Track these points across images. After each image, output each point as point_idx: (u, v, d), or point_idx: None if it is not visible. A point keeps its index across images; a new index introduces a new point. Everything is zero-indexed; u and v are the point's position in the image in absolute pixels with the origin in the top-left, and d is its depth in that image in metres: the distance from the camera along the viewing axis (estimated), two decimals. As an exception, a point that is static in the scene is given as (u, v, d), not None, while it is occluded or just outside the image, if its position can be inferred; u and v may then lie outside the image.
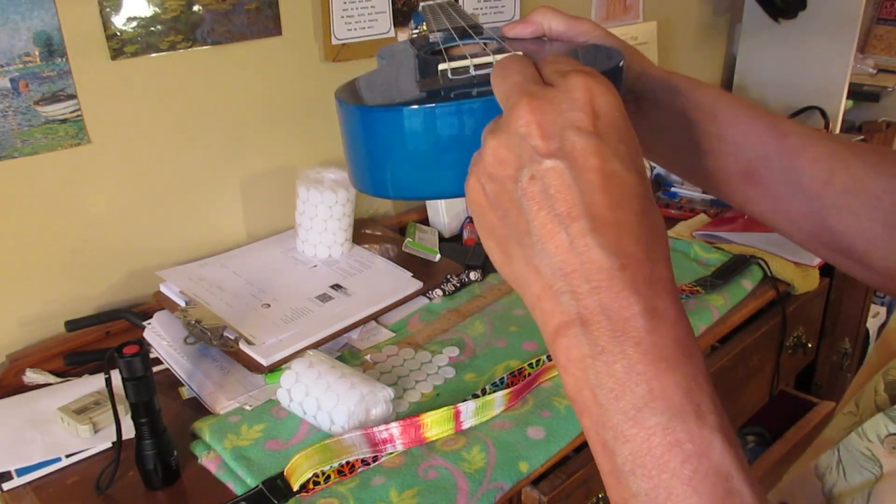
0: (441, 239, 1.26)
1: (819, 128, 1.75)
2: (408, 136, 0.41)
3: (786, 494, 0.47)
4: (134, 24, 0.97)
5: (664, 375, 0.31)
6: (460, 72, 0.46)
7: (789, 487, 0.47)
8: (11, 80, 0.88)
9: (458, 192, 0.40)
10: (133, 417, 0.75)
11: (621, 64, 0.45)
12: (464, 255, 1.18)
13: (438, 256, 1.17)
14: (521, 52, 0.41)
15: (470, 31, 0.56)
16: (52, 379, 0.94)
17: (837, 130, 1.86)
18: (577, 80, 0.33)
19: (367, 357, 0.96)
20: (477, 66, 0.46)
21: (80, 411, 0.84)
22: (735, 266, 1.15)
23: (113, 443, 0.81)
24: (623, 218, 0.31)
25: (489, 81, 0.38)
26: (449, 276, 1.12)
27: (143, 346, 0.73)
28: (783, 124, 0.51)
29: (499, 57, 0.43)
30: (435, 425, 0.80)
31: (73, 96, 0.94)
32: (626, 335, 0.31)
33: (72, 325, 0.98)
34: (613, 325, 0.31)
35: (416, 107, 0.41)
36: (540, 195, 0.32)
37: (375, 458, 0.78)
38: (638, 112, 0.52)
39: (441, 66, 0.47)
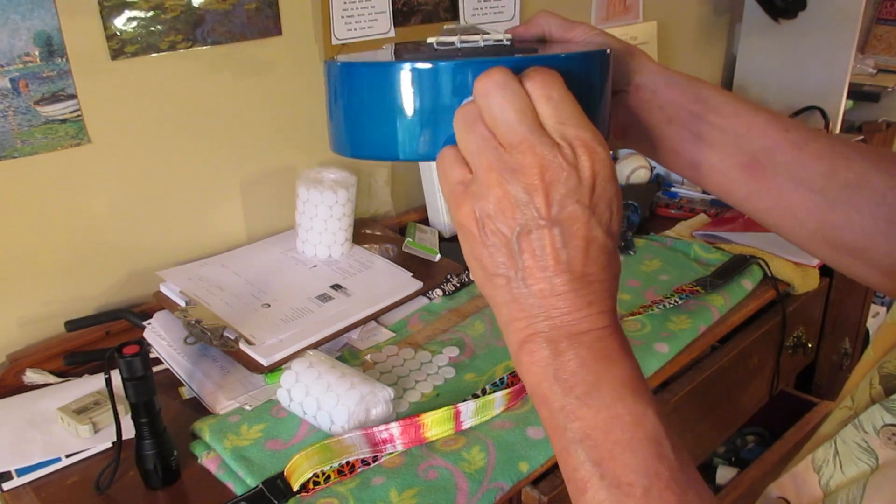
0: (441, 239, 1.26)
1: (819, 128, 1.75)
2: (384, 90, 0.43)
3: (783, 489, 0.48)
4: (134, 24, 0.97)
5: (609, 368, 0.39)
6: (446, 45, 0.48)
7: (786, 482, 0.47)
8: (11, 80, 0.88)
9: (429, 156, 0.43)
10: (133, 417, 0.75)
11: (608, 50, 0.47)
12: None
13: (438, 256, 1.17)
14: (508, 35, 0.46)
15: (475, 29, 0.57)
16: (52, 379, 0.94)
17: (837, 130, 1.86)
18: (586, 159, 0.39)
19: (367, 357, 0.96)
20: (463, 41, 0.48)
21: (80, 411, 0.84)
22: (735, 266, 1.15)
23: (113, 443, 0.81)
24: (593, 271, 0.40)
25: (473, 54, 0.43)
26: (449, 276, 1.12)
27: (143, 346, 0.73)
28: (784, 119, 0.51)
29: (486, 37, 0.46)
30: (435, 425, 0.80)
31: (73, 96, 0.94)
32: (581, 342, 0.40)
33: (72, 325, 0.98)
34: (571, 336, 0.40)
35: (392, 61, 0.43)
36: (534, 249, 0.39)
37: (375, 458, 0.78)
38: (638, 104, 0.52)
39: (429, 39, 0.48)
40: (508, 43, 0.49)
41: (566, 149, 0.39)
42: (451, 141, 0.42)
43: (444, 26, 0.72)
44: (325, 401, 0.79)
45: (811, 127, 0.52)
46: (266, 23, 1.10)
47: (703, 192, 1.48)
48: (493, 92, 0.39)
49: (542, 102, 0.40)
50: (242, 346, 0.91)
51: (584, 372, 0.39)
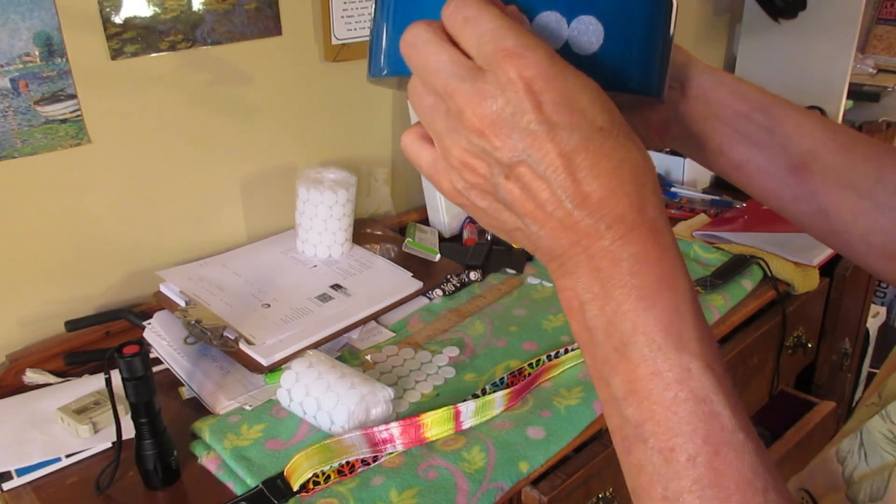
0: (441, 239, 1.26)
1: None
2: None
3: (806, 480, 0.47)
4: (134, 24, 0.97)
5: (645, 313, 0.34)
6: None
7: (809, 473, 0.47)
8: (11, 80, 0.88)
9: None
10: (133, 417, 0.75)
11: None
12: (464, 255, 1.18)
13: (438, 256, 1.17)
14: None
15: None
16: (52, 379, 0.94)
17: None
18: (513, 72, 0.33)
19: (367, 357, 0.96)
20: None
21: (80, 411, 0.84)
22: (735, 266, 1.15)
23: (113, 443, 0.81)
24: (597, 184, 0.34)
25: None
26: (449, 276, 1.12)
27: (143, 346, 0.73)
28: (830, 122, 0.50)
29: None
30: (435, 425, 0.80)
31: (73, 96, 0.94)
32: (613, 281, 0.34)
33: (72, 325, 0.98)
34: (601, 275, 0.35)
35: None
36: (521, 192, 0.35)
37: (375, 458, 0.78)
38: (684, 100, 0.51)
39: None
40: None
41: (490, 73, 0.34)
42: None
43: None
44: (325, 401, 0.79)
45: (856, 130, 0.51)
46: (266, 23, 1.10)
47: (703, 192, 1.48)
48: (409, 54, 0.36)
49: (460, 29, 0.34)
50: (242, 346, 0.91)
51: (619, 319, 0.34)
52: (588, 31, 0.38)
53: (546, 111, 0.33)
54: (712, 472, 0.33)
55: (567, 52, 0.38)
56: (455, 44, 0.35)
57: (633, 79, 0.40)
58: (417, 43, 0.35)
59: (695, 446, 0.33)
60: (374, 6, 0.41)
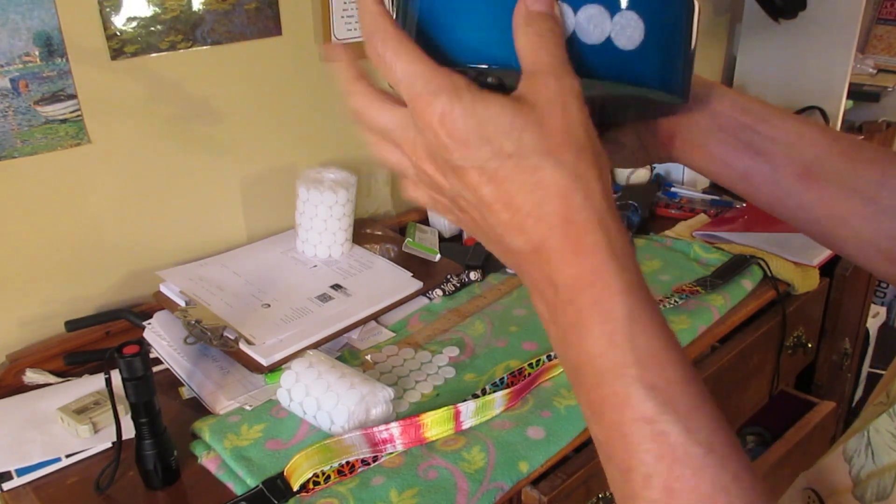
0: (441, 239, 1.26)
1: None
2: None
3: (812, 479, 0.48)
4: (134, 24, 0.97)
5: (583, 341, 0.35)
6: None
7: (816, 472, 0.47)
8: (11, 80, 0.88)
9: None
10: (133, 417, 0.75)
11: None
12: (464, 254, 1.18)
13: (438, 256, 1.17)
14: None
15: None
16: (52, 379, 0.94)
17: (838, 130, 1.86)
18: (424, 118, 0.35)
19: (367, 357, 0.96)
20: None
21: (80, 411, 0.84)
22: (735, 266, 1.15)
23: (113, 443, 0.81)
24: (512, 211, 0.35)
25: None
26: (449, 276, 1.12)
27: (143, 346, 0.73)
28: (830, 129, 0.51)
29: None
30: (435, 425, 0.80)
31: (73, 96, 0.94)
32: (556, 308, 0.35)
33: (72, 325, 0.98)
34: (546, 300, 0.36)
35: None
36: (469, 219, 0.37)
37: (375, 458, 0.78)
38: (689, 114, 0.52)
39: None
40: None
41: (412, 117, 0.36)
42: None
43: None
44: (325, 401, 0.79)
45: (857, 136, 0.51)
46: (266, 23, 1.10)
47: (703, 192, 1.48)
48: (361, 121, 0.39)
49: (382, 70, 0.37)
50: (242, 346, 0.91)
51: (566, 345, 0.35)
52: (630, 27, 0.37)
53: (460, 146, 0.34)
54: (667, 491, 0.33)
55: (608, 48, 0.37)
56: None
57: (667, 79, 0.40)
58: (361, 109, 0.38)
59: (647, 466, 0.34)
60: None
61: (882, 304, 2.37)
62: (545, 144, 0.34)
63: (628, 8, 0.37)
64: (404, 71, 0.35)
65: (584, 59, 0.37)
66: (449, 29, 0.37)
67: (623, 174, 1.48)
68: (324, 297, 1.02)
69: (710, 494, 0.33)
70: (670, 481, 0.33)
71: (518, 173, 0.34)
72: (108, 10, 0.94)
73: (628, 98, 0.43)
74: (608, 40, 0.37)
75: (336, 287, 1.05)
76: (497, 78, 0.37)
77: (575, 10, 0.37)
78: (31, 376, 0.94)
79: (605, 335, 0.34)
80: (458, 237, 1.30)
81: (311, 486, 0.74)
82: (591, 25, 0.37)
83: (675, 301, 1.05)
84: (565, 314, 0.35)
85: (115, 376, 0.74)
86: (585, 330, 0.34)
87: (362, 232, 1.21)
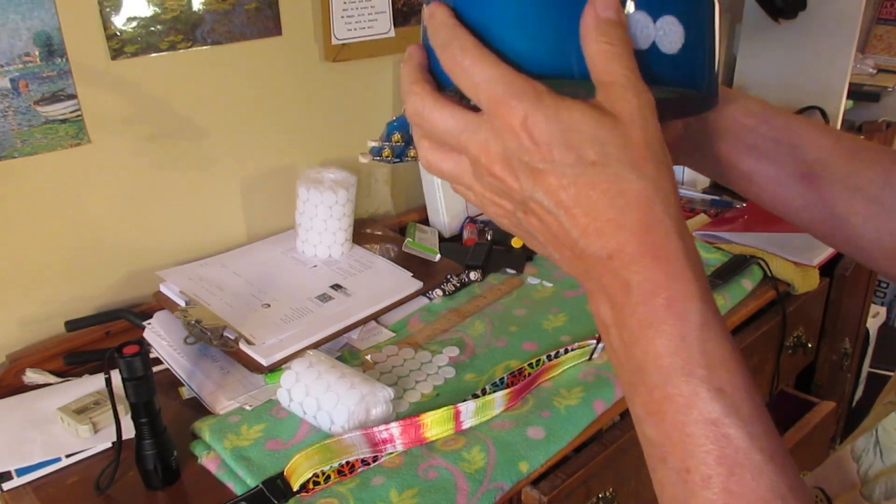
0: (441, 239, 1.26)
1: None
2: None
3: (820, 479, 0.48)
4: (134, 24, 0.97)
5: (653, 341, 0.35)
6: None
7: (824, 471, 0.47)
8: (11, 80, 0.88)
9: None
10: (133, 417, 0.75)
11: None
12: (464, 255, 1.18)
13: (438, 256, 1.17)
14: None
15: None
16: (52, 379, 0.94)
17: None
18: (504, 120, 0.35)
19: (367, 357, 0.96)
20: None
21: (80, 411, 0.84)
22: (735, 266, 1.15)
23: (113, 443, 0.81)
24: (593, 216, 0.35)
25: None
26: (449, 276, 1.12)
27: (143, 346, 0.73)
28: (832, 130, 0.51)
29: None
30: (435, 425, 0.80)
31: (73, 96, 0.94)
32: (625, 310, 0.36)
33: (72, 325, 0.98)
34: (614, 303, 0.36)
35: None
36: (538, 223, 0.37)
37: (375, 458, 0.78)
38: (694, 117, 0.52)
39: None
40: None
41: (489, 121, 0.36)
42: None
43: None
44: (325, 401, 0.79)
45: (860, 136, 0.51)
46: (266, 23, 1.10)
47: (703, 193, 1.48)
48: (419, 123, 0.38)
49: (459, 78, 0.37)
50: (242, 346, 0.91)
51: (633, 345, 0.36)
52: (672, 31, 0.38)
53: (542, 150, 0.35)
54: (726, 493, 0.33)
55: (654, 52, 0.38)
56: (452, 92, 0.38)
57: (706, 80, 0.40)
58: (423, 112, 0.38)
59: (708, 467, 0.34)
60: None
61: (882, 304, 2.37)
62: (629, 156, 0.35)
63: (669, 12, 0.38)
64: (484, 75, 0.36)
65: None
66: (511, 40, 0.37)
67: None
68: (324, 297, 1.02)
69: (768, 501, 0.33)
70: (730, 484, 0.33)
71: (601, 181, 0.35)
72: (108, 10, 0.94)
73: (670, 101, 0.43)
74: (653, 45, 0.38)
75: (336, 287, 1.05)
76: (571, 88, 0.37)
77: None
78: (31, 376, 0.94)
79: (678, 336, 0.35)
80: (458, 237, 1.30)
81: (311, 486, 0.74)
82: (638, 31, 0.37)
83: (675, 301, 1.05)
84: (635, 315, 0.35)
85: (115, 376, 0.74)
86: (657, 330, 0.35)
87: (362, 232, 1.21)
